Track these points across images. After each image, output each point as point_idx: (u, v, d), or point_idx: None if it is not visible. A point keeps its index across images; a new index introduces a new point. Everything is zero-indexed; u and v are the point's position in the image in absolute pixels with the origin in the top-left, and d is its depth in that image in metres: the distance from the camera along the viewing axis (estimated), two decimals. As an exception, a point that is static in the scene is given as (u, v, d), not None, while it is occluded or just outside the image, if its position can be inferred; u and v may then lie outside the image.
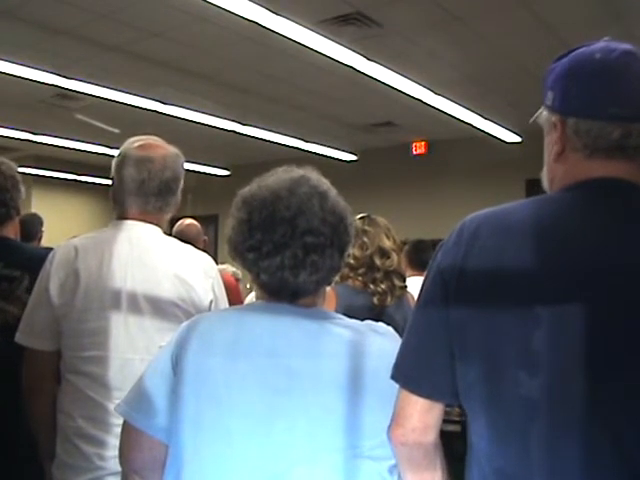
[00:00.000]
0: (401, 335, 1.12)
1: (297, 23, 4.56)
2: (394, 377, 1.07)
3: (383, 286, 2.46)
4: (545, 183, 1.12)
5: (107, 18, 5.03)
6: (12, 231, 2.11)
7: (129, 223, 1.82)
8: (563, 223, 0.98)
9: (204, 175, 10.61)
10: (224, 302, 1.85)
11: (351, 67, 5.39)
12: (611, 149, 0.99)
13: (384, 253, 2.55)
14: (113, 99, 6.46)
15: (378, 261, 2.50)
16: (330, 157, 9.07)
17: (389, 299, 2.45)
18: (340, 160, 9.21)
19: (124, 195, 1.82)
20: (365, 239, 2.57)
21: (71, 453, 1.66)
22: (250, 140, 8.14)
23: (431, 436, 1.07)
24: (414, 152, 9.07)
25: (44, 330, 1.72)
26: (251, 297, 4.61)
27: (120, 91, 6.28)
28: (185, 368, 1.19)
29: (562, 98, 1.04)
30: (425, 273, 1.09)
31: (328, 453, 1.12)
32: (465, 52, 5.67)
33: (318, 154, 8.87)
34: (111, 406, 1.59)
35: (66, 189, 10.74)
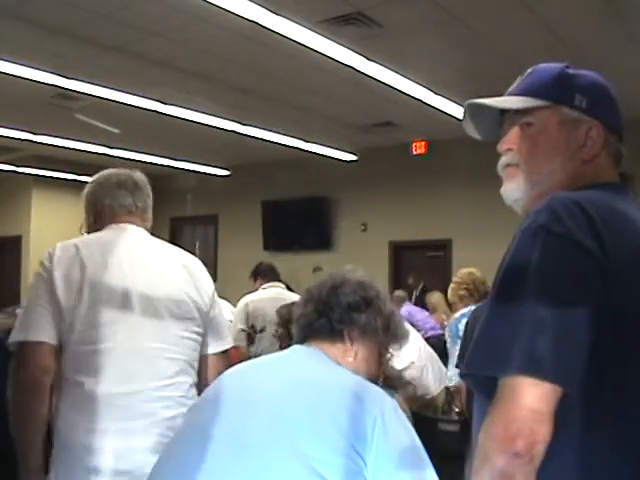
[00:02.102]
0: None
1: (297, 23, 4.56)
2: (522, 368, 0.89)
3: None
4: (546, 176, 1.11)
5: (107, 18, 5.03)
6: None
7: (122, 225, 1.91)
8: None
9: (204, 175, 10.62)
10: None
11: (351, 67, 5.40)
12: (619, 162, 1.16)
13: None
14: (113, 99, 6.46)
15: None
16: (330, 157, 9.07)
17: None
18: (340, 160, 9.21)
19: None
20: None
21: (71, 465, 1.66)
22: (250, 140, 8.14)
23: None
24: (414, 152, 9.07)
25: (45, 324, 1.71)
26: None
27: (120, 91, 6.29)
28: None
29: (602, 108, 1.14)
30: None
31: None
32: (465, 52, 5.67)
33: (318, 154, 8.88)
34: (116, 402, 1.64)
35: (66, 189, 10.72)
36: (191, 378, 1.83)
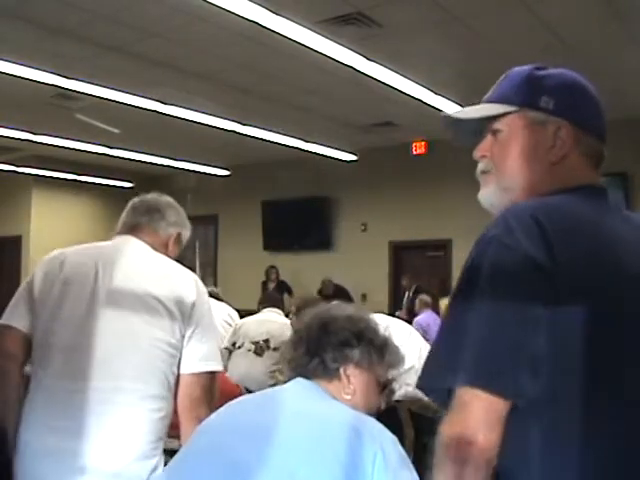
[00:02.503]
0: None
1: (297, 23, 4.56)
2: (468, 380, 0.92)
3: None
4: (516, 181, 1.12)
5: (107, 18, 5.03)
6: None
7: (125, 236, 1.94)
8: (608, 222, 1.04)
9: (204, 175, 10.62)
10: (207, 308, 1.87)
11: (351, 67, 5.39)
12: (599, 163, 1.13)
13: None
14: (113, 99, 6.46)
15: None
16: (330, 157, 9.07)
17: None
18: (340, 160, 9.21)
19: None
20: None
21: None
22: (250, 140, 8.13)
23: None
24: (414, 152, 9.07)
25: (20, 312, 1.78)
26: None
27: (120, 91, 6.28)
28: None
29: (571, 108, 1.11)
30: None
31: None
32: (465, 52, 5.67)
33: (318, 154, 8.88)
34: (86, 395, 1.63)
35: (66, 189, 10.74)
36: (151, 389, 1.71)
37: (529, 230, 0.96)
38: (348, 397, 1.42)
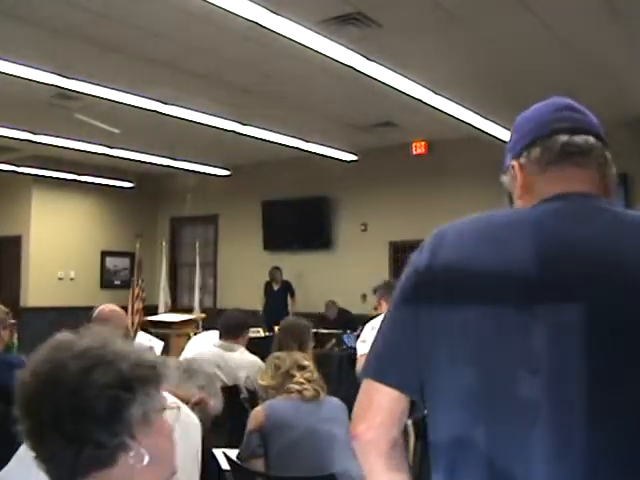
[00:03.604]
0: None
1: (297, 23, 4.56)
2: (364, 372, 1.11)
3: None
4: None
5: (107, 18, 5.03)
6: None
7: None
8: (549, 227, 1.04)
9: (204, 175, 10.62)
10: None
11: (351, 67, 5.39)
12: (558, 159, 1.10)
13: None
14: (113, 99, 6.46)
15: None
16: (330, 157, 9.07)
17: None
18: (340, 160, 9.21)
19: None
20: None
21: None
22: (250, 140, 8.13)
23: (397, 431, 1.10)
24: (414, 152, 9.07)
25: None
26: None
27: (120, 91, 6.28)
28: None
29: (513, 145, 1.17)
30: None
31: None
32: (465, 52, 5.67)
33: (318, 154, 8.88)
34: None
35: (66, 189, 10.74)
36: None
37: (428, 244, 1.09)
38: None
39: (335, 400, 2.67)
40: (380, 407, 1.08)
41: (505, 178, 1.19)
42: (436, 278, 1.04)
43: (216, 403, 2.43)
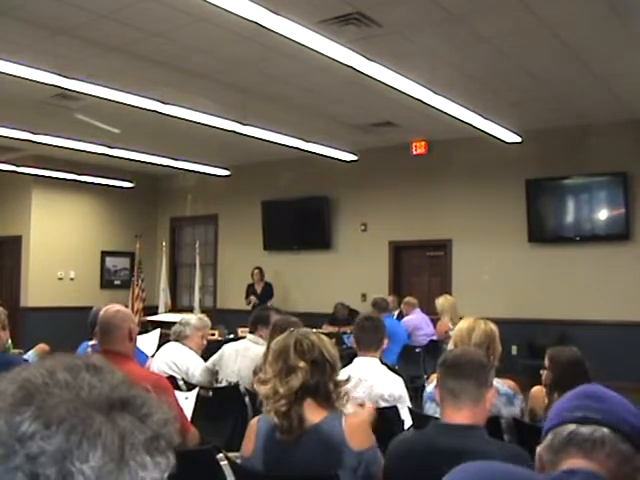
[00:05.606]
0: None
1: (297, 23, 4.55)
2: None
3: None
4: None
5: (107, 18, 5.03)
6: None
7: None
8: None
9: (204, 175, 10.61)
10: None
11: (351, 67, 5.39)
12: (565, 448, 1.14)
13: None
14: (113, 99, 6.45)
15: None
16: (330, 157, 9.07)
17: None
18: (340, 160, 9.21)
19: None
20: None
21: None
22: (250, 140, 8.12)
23: None
24: (414, 152, 9.08)
25: None
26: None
27: (120, 91, 6.27)
28: None
29: (544, 433, 1.20)
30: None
31: None
32: (465, 52, 5.67)
33: (318, 154, 8.87)
34: None
35: (66, 189, 10.73)
36: None
37: None
38: None
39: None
40: None
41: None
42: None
43: None
